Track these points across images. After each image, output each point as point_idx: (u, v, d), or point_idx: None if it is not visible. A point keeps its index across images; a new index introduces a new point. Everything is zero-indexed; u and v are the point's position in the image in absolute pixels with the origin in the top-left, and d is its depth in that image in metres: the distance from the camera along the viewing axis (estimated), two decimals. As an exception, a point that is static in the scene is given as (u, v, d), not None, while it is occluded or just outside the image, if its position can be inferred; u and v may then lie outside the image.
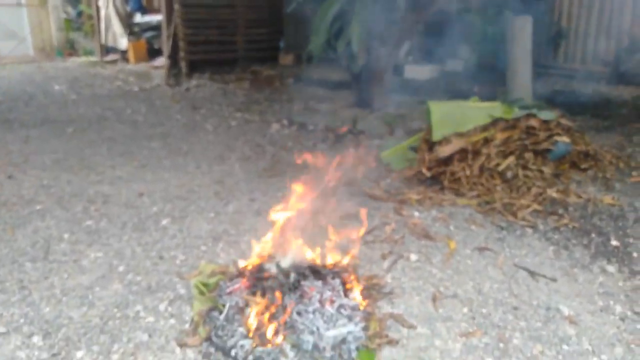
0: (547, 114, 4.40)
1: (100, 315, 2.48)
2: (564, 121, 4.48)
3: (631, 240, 3.26)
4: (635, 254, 3.09)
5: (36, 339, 2.29)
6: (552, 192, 3.88)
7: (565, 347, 2.28)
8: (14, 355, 2.19)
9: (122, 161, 4.95)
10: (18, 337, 2.30)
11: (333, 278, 2.55)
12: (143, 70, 10.89)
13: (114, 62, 12.10)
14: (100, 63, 12.05)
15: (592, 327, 2.42)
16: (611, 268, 2.94)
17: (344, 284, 2.54)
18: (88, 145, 5.48)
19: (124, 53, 12.18)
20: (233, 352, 2.16)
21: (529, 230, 3.42)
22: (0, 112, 7.04)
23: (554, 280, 2.82)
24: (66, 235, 3.34)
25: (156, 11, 11.61)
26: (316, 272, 2.57)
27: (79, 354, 2.20)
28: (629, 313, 2.52)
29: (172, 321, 2.44)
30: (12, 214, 3.66)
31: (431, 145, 4.36)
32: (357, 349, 2.19)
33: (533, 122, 4.29)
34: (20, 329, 2.37)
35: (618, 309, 2.56)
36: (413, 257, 3.08)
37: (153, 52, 11.93)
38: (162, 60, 10.53)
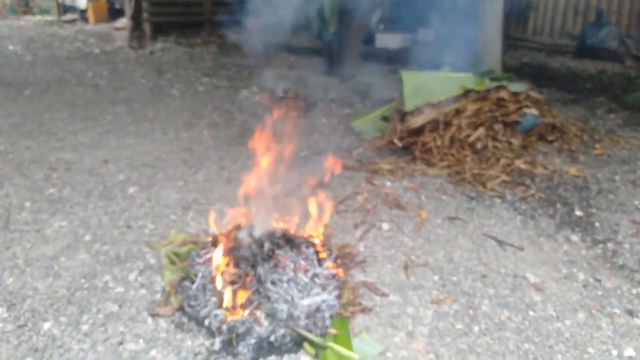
0: (517, 87, 4.45)
1: (67, 286, 2.40)
2: (532, 94, 4.55)
3: (594, 210, 3.37)
4: (597, 224, 3.20)
5: (0, 311, 2.21)
6: (520, 163, 3.95)
7: (531, 313, 2.36)
8: (-24, 327, 2.11)
9: (85, 126, 4.75)
10: (-20, 309, 2.22)
11: (307, 247, 2.55)
12: (104, 32, 10.41)
13: (72, 21, 11.52)
14: (57, 22, 11.45)
15: (556, 293, 2.51)
16: (575, 237, 3.04)
17: (317, 252, 2.54)
18: (47, 109, 5.24)
19: (82, 12, 11.60)
20: (206, 322, 2.14)
21: (498, 201, 3.49)
22: (-51, 72, 6.63)
23: (521, 249, 2.90)
24: (27, 204, 3.20)
25: (117, -31, 11.06)
26: (290, 241, 2.55)
27: (46, 325, 2.14)
28: (591, 280, 2.62)
29: (143, 291, 2.39)
30: (-33, 180, 3.48)
31: (403, 115, 4.36)
32: (331, 317, 2.21)
33: (503, 94, 4.34)
34: (-18, 300, 2.28)
35: (581, 276, 2.65)
36: (385, 226, 3.10)
37: (114, 13, 11.42)
38: (124, 22, 10.08)
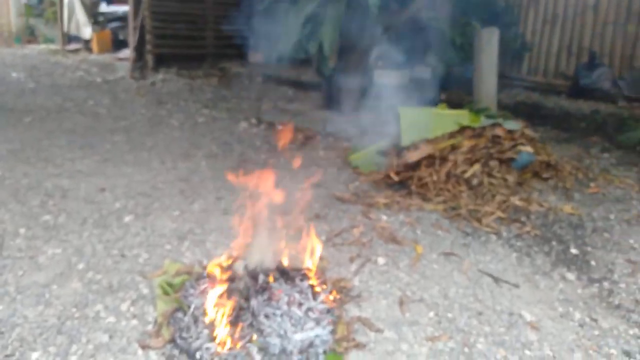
0: (512, 124, 4.51)
1: (58, 314, 2.37)
2: (527, 132, 4.61)
3: (589, 248, 3.38)
4: (593, 262, 3.20)
5: (-13, 339, 2.17)
6: (515, 200, 3.97)
7: (527, 352, 2.33)
8: (-37, 356, 2.07)
9: (83, 154, 4.77)
10: (-33, 337, 2.18)
11: (301, 280, 2.53)
12: (107, 61, 10.57)
13: (76, 51, 11.71)
14: (61, 51, 11.63)
15: (552, 332, 2.48)
16: (570, 275, 3.03)
17: (312, 286, 2.52)
18: (46, 136, 5.27)
19: (87, 42, 11.81)
20: (198, 355, 2.11)
21: (493, 237, 3.49)
22: (-49, 98, 6.69)
23: (516, 286, 2.88)
24: (22, 230, 3.19)
25: (122, 1, 11.30)
26: (284, 274, 2.54)
27: (35, 355, 2.10)
28: (587, 319, 2.60)
29: (135, 322, 2.36)
30: (-38, 206, 3.47)
31: (400, 150, 4.40)
32: (325, 352, 2.18)
33: (499, 132, 4.39)
34: (-30, 328, 2.24)
35: (577, 315, 2.63)
36: (381, 260, 3.09)
37: (118, 44, 11.63)
38: (127, 52, 10.25)
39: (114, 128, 5.78)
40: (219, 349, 2.11)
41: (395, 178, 4.24)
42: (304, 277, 2.56)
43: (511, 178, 4.26)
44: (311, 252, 2.75)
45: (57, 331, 2.26)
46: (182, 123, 6.22)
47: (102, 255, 2.96)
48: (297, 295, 2.40)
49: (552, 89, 8.70)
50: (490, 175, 4.21)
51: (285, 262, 2.64)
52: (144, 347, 2.18)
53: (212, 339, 2.15)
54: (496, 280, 2.94)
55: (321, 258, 3.02)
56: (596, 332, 2.50)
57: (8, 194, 3.73)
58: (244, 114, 6.80)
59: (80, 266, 2.81)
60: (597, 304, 2.75)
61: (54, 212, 3.48)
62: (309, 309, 2.36)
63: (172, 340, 2.21)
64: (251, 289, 2.35)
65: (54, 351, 2.13)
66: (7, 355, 2.08)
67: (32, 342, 2.18)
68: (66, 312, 2.39)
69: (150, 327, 2.32)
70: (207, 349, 2.12)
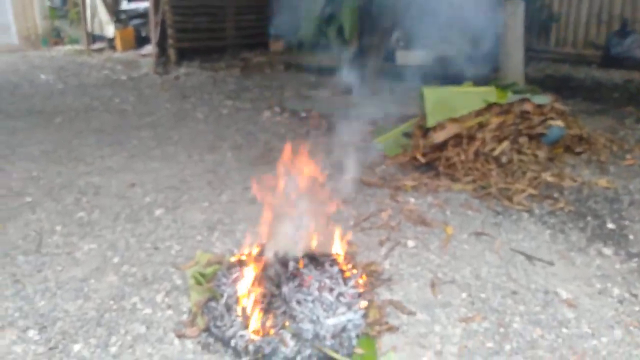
0: (540, 98, 4.39)
1: (97, 307, 2.44)
2: (557, 105, 4.47)
3: (627, 222, 3.27)
4: (631, 236, 3.10)
5: (32, 333, 2.25)
6: (547, 176, 3.88)
7: (564, 330, 2.28)
8: (10, 350, 2.15)
9: (112, 151, 4.87)
10: (13, 332, 2.26)
11: (331, 266, 2.54)
12: (131, 59, 10.73)
13: (100, 50, 11.91)
14: (86, 51, 11.85)
15: (590, 309, 2.42)
16: (608, 251, 2.95)
17: (342, 271, 2.53)
18: (76, 135, 5.39)
19: (110, 41, 11.99)
20: (232, 342, 2.14)
21: (525, 215, 3.42)
22: (-15, 103, 6.90)
23: (551, 263, 2.82)
24: (58, 228, 3.28)
25: (143, -2, 11.43)
26: (314, 260, 2.55)
27: (77, 347, 2.17)
28: (626, 295, 2.53)
29: (170, 312, 2.41)
30: (1, 206, 3.59)
31: (425, 131, 4.34)
32: (358, 336, 2.18)
33: (527, 107, 4.28)
34: (15, 323, 2.32)
35: (616, 291, 2.57)
36: (410, 243, 3.07)
37: (141, 40, 11.77)
38: (150, 48, 10.37)
39: (141, 124, 5.87)
40: (253, 336, 2.13)
41: (422, 159, 4.19)
42: (334, 262, 2.57)
43: (542, 154, 4.15)
44: (340, 238, 2.75)
45: (96, 323, 2.32)
46: (207, 115, 6.28)
47: (136, 248, 3.02)
48: (327, 281, 2.41)
49: (582, 60, 8.42)
50: (520, 152, 4.11)
51: (315, 248, 2.64)
52: (180, 336, 2.23)
53: (246, 327, 2.18)
54: (530, 258, 2.88)
55: (350, 243, 3.02)
56: (636, 308, 2.43)
57: (43, 193, 3.84)
58: (267, 103, 6.81)
59: (115, 260, 2.89)
60: (636, 279, 2.67)
61: (87, 209, 3.57)
62: (340, 294, 2.37)
63: (207, 329, 2.24)
64: (282, 276, 2.36)
65: (94, 343, 2.20)
66: (50, 348, 2.16)
67: (73, 334, 2.25)
68: (104, 305, 2.46)
69: (185, 317, 2.37)
70: (241, 336, 2.15)
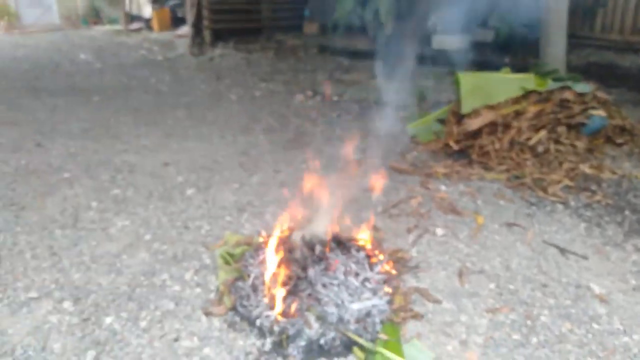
0: (582, 87, 4.23)
1: (128, 282, 2.52)
2: (599, 94, 4.30)
3: (667, 218, 3.15)
4: (671, 233, 2.98)
5: (67, 305, 2.34)
6: (585, 168, 3.75)
7: (595, 325, 2.23)
8: (46, 319, 2.24)
9: (147, 130, 4.97)
10: (49, 302, 2.36)
11: (358, 251, 2.53)
12: (167, 39, 10.86)
13: (138, 30, 12.10)
14: (124, 31, 12.06)
15: (623, 306, 2.35)
16: (645, 247, 2.85)
17: (368, 257, 2.52)
18: (113, 114, 5.52)
19: (148, 21, 12.16)
20: (258, 322, 2.17)
21: (560, 207, 3.32)
22: (28, 80, 7.13)
23: (585, 257, 2.75)
24: (94, 204, 3.38)
25: (180, -21, 11.50)
26: (341, 244, 2.55)
27: (108, 319, 2.24)
28: (663, 293, 2.45)
29: (198, 290, 2.46)
30: (41, 181, 3.72)
31: (460, 117, 4.25)
32: (382, 322, 2.18)
33: (567, 95, 4.13)
34: (52, 294, 2.42)
35: (652, 288, 2.48)
36: (439, 231, 3.04)
37: (177, 21, 11.89)
38: (186, 29, 10.48)
39: (176, 104, 5.96)
40: (278, 317, 2.16)
41: (455, 147, 4.12)
42: (360, 247, 2.56)
43: (581, 144, 4.01)
44: (368, 224, 2.74)
45: (128, 298, 2.40)
46: (241, 97, 6.32)
47: (167, 227, 3.09)
48: (353, 266, 2.41)
49: (629, 47, 8.04)
50: (557, 141, 3.98)
51: (342, 233, 2.65)
52: (208, 314, 2.28)
53: (271, 308, 2.21)
54: (562, 251, 2.81)
55: (378, 229, 3.01)
56: (673, 307, 2.35)
57: (80, 170, 3.96)
58: (300, 86, 6.81)
59: (147, 237, 2.96)
60: (675, 277, 2.57)
61: (122, 186, 3.66)
62: (366, 279, 2.37)
63: (234, 308, 2.29)
64: (308, 259, 2.38)
65: (125, 316, 2.27)
66: (84, 319, 2.24)
67: (105, 307, 2.33)
68: (136, 280, 2.53)
69: (212, 296, 2.42)
70: (267, 316, 2.18)
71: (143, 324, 2.22)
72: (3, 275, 2.56)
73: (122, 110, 5.69)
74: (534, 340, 2.14)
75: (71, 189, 3.61)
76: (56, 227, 3.06)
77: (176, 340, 2.13)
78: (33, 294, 2.41)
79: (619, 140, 4.21)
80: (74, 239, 2.93)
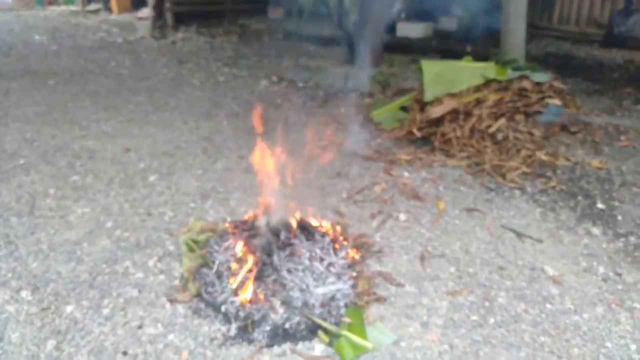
0: (540, 76, 4.36)
1: (89, 270, 2.47)
2: (555, 84, 4.45)
3: (616, 203, 3.31)
4: (619, 217, 3.14)
5: (25, 294, 2.28)
6: (542, 155, 3.89)
7: (548, 305, 2.33)
8: (3, 309, 2.18)
9: (107, 115, 4.83)
10: (6, 292, 2.29)
11: (322, 236, 2.56)
12: (127, 21, 10.53)
13: (96, 11, 11.68)
14: (82, 12, 11.61)
15: (575, 287, 2.47)
16: (596, 230, 2.99)
17: (333, 242, 2.55)
18: (71, 98, 5.34)
19: (106, 3, 11.75)
20: (223, 308, 2.18)
21: (517, 192, 3.44)
22: (-22, 62, 6.80)
23: (539, 241, 2.86)
24: (52, 191, 3.28)
25: (140, -41, 11.12)
26: (306, 230, 2.57)
27: (69, 308, 2.20)
28: (611, 274, 2.58)
29: (162, 277, 2.44)
30: (-5, 167, 3.58)
31: (423, 105, 4.32)
32: (346, 305, 2.22)
33: (526, 84, 4.26)
34: (9, 283, 2.35)
35: (601, 270, 2.61)
36: (402, 216, 3.10)
37: (137, 3, 11.52)
38: (147, 12, 10.17)
39: (137, 89, 5.81)
40: (243, 303, 2.17)
41: (418, 134, 4.19)
42: (325, 233, 2.59)
43: (538, 132, 4.16)
44: (332, 210, 2.77)
45: (89, 286, 2.36)
46: (203, 82, 6.22)
47: (129, 213, 3.04)
48: (318, 251, 2.44)
49: (585, 39, 8.34)
50: (515, 129, 4.11)
51: (306, 219, 2.67)
52: (172, 301, 2.27)
53: (236, 293, 2.22)
54: (519, 235, 2.92)
55: (342, 214, 3.05)
56: (620, 287, 2.48)
57: (37, 155, 3.82)
58: (264, 71, 6.74)
59: (109, 224, 2.90)
60: (622, 259, 2.72)
61: (81, 173, 3.57)
62: (330, 264, 2.40)
63: (198, 295, 2.28)
64: (273, 245, 2.39)
65: (86, 304, 2.23)
66: (43, 309, 2.19)
67: (66, 296, 2.28)
68: (97, 268, 2.49)
69: (177, 282, 2.40)
70: (232, 302, 2.19)
71: (105, 311, 2.19)
72: (-45, 265, 2.47)
73: (80, 94, 5.50)
74: (491, 320, 2.23)
75: (27, 175, 3.49)
76: (12, 215, 2.96)
77: (140, 327, 2.11)
78: (-12, 284, 2.34)
79: (574, 129, 4.38)
80: (30, 226, 2.85)
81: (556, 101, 4.26)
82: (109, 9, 11.62)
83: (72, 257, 2.57)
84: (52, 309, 2.20)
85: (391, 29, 8.39)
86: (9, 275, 2.41)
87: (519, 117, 4.17)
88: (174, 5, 9.54)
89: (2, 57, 7.12)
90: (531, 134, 4.13)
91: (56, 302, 2.24)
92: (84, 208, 3.08)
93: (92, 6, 11.91)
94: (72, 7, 12.27)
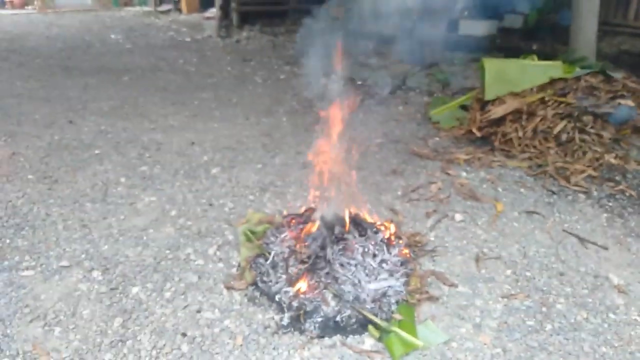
0: (611, 75, 4.14)
1: (154, 255, 2.62)
2: (629, 83, 4.21)
3: (693, 211, 3.10)
4: (695, 226, 2.94)
5: (96, 274, 2.46)
6: (610, 158, 3.70)
7: (612, 315, 2.24)
8: (76, 287, 2.36)
9: (175, 110, 5.07)
10: (80, 271, 2.48)
11: (376, 233, 2.58)
12: (195, 21, 10.95)
13: (167, 12, 12.21)
14: (154, 13, 12.19)
15: (641, 297, 2.36)
16: (668, 239, 2.82)
17: (386, 239, 2.57)
18: (142, 93, 5.64)
19: (177, 3, 12.25)
20: (277, 298, 2.25)
21: (582, 196, 3.30)
22: (60, 59, 7.31)
23: (604, 248, 2.74)
24: (122, 179, 3.50)
25: (209, -40, 11.51)
26: (359, 226, 2.60)
27: (135, 289, 2.35)
28: (682, 286, 2.43)
29: (220, 265, 2.55)
30: (72, 157, 3.86)
31: (483, 104, 4.22)
32: (397, 302, 2.23)
33: (594, 82, 4.05)
34: (82, 263, 2.54)
35: (671, 281, 2.47)
36: (458, 217, 3.06)
37: (205, 3, 11.94)
38: (213, 11, 10.53)
39: (203, 85, 6.05)
40: (297, 293, 2.23)
41: (478, 133, 4.10)
42: (378, 230, 2.61)
43: (607, 134, 3.95)
44: (387, 207, 2.78)
45: (153, 270, 2.50)
46: (265, 80, 6.37)
47: (192, 203, 3.19)
48: (371, 247, 2.46)
49: (665, 36, 7.79)
50: (582, 131, 3.93)
51: (362, 215, 2.69)
52: (229, 288, 2.37)
53: (290, 284, 2.28)
54: (582, 241, 2.80)
55: (397, 212, 3.05)
56: (692, 299, 2.34)
57: (110, 146, 4.08)
58: (324, 69, 6.80)
59: (173, 213, 3.06)
60: (696, 270, 2.55)
61: (149, 164, 3.77)
62: (383, 261, 2.42)
63: (254, 284, 2.37)
64: (327, 239, 2.44)
65: (151, 287, 2.37)
66: (112, 289, 2.36)
67: (132, 278, 2.44)
68: (161, 254, 2.64)
69: (234, 271, 2.50)
70: (286, 292, 2.26)
71: (167, 294, 2.32)
72: (36, 245, 2.69)
73: (151, 89, 5.80)
74: (549, 327, 2.17)
75: (101, 164, 3.73)
76: (87, 201, 3.19)
77: (198, 311, 2.22)
78: (64, 263, 2.53)
79: (648, 132, 4.13)
80: (103, 212, 3.05)
81: (629, 102, 4.03)
82: (179, 10, 12.12)
83: (139, 242, 2.74)
84: (119, 289, 2.36)
85: (453, 27, 8.21)
86: (83, 256, 2.60)
87: (587, 118, 3.98)
88: (239, 5, 9.82)
89: (82, 55, 7.62)
90: (600, 135, 3.93)
91: (123, 283, 2.40)
92: (151, 197, 3.26)
93: (164, 7, 12.47)
94: (146, 8, 12.90)
